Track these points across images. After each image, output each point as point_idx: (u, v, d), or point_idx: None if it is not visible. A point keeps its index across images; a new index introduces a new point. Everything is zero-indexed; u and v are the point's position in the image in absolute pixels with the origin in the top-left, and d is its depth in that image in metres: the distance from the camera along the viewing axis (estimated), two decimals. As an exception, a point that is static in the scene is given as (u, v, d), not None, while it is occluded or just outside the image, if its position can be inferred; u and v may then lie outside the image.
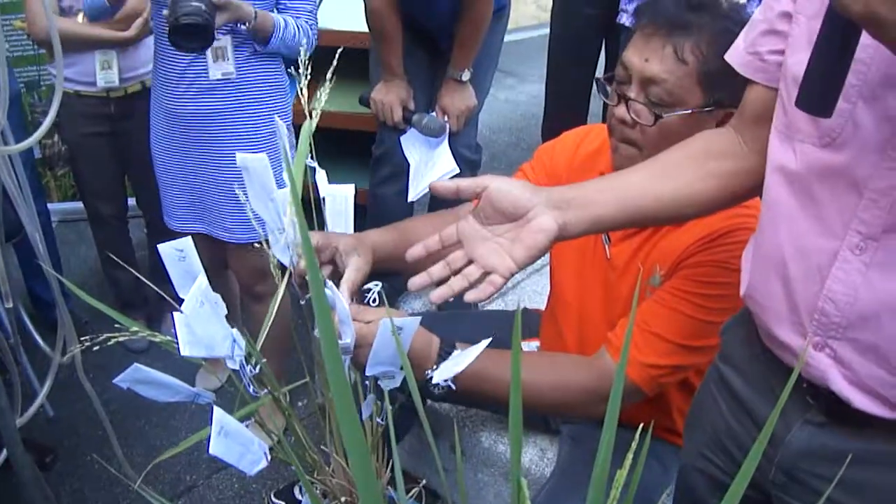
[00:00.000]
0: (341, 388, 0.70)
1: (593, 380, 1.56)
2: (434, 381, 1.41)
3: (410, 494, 1.74)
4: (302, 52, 1.35)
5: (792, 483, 1.24)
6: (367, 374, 1.27)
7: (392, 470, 1.37)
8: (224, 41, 2.18)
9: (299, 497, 2.43)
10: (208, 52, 2.17)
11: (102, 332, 1.17)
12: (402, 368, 1.23)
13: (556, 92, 3.48)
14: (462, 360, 1.30)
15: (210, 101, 2.24)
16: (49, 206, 3.93)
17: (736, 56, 1.24)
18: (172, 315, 1.10)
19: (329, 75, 1.33)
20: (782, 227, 1.15)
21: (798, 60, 1.08)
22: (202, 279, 1.13)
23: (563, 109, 3.29)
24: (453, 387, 1.44)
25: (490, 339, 1.29)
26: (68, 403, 2.76)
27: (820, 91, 0.97)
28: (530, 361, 1.60)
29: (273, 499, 2.53)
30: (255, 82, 2.27)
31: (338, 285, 1.37)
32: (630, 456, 0.85)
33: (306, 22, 2.24)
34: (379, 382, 1.30)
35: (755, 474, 0.75)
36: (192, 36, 2.01)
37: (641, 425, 0.94)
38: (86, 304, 1.24)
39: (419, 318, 1.21)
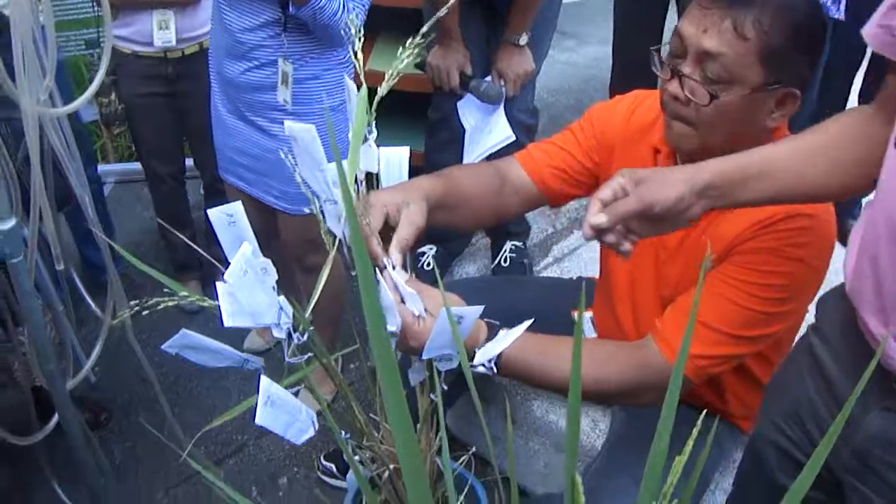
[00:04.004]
0: (388, 366, 0.68)
1: (635, 373, 1.52)
2: (475, 362, 1.38)
3: (460, 462, 1.72)
4: (352, 28, 1.31)
5: (864, 469, 1.20)
6: (423, 357, 1.26)
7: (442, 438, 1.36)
8: (288, 67, 2.14)
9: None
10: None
11: (156, 292, 1.18)
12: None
13: (622, 59, 3.39)
14: (503, 340, 1.28)
15: (263, 74, 2.20)
16: (106, 167, 3.98)
17: (868, 28, 1.15)
18: (215, 284, 1.08)
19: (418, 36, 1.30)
20: (882, 206, 1.09)
21: None
22: (247, 246, 1.11)
23: (631, 76, 3.19)
24: (495, 369, 1.42)
25: (531, 321, 1.26)
26: (123, 363, 2.78)
27: None
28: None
29: (323, 461, 2.53)
30: (312, 60, 2.21)
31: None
32: (690, 443, 0.81)
33: (354, 7, 2.09)
34: (435, 364, 1.29)
35: (828, 456, 0.72)
36: None
37: (705, 412, 0.90)
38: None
39: (481, 307, 1.19)
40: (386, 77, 1.32)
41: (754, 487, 1.48)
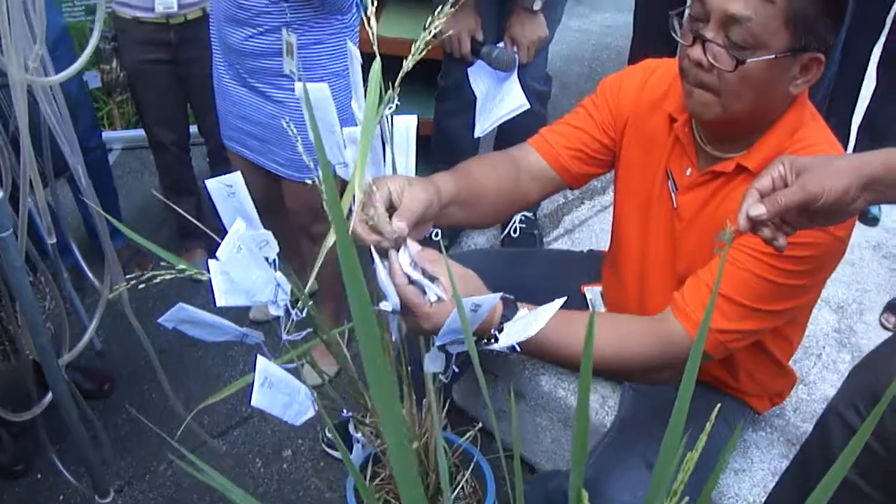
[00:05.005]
0: (371, 341, 0.64)
1: (656, 349, 1.48)
2: (501, 345, 1.34)
3: (466, 437, 1.69)
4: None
5: None
6: (438, 343, 1.23)
7: (449, 414, 1.33)
8: (292, 38, 2.09)
9: (354, 434, 2.41)
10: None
11: (161, 261, 1.17)
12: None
13: (643, 24, 3.32)
14: (531, 322, 1.24)
15: (267, 40, 2.15)
16: (112, 133, 3.94)
17: None
18: (207, 262, 1.05)
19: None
20: None
21: None
22: (240, 223, 1.07)
23: (652, 43, 3.12)
24: (518, 349, 1.38)
25: (564, 300, 1.21)
26: (128, 333, 2.76)
27: None
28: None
29: (327, 434, 2.51)
30: (315, 25, 2.16)
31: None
32: (703, 438, 0.77)
33: None
34: (447, 347, 1.26)
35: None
36: None
37: (718, 407, 0.86)
38: (146, 232, 1.22)
39: (498, 295, 1.17)
40: (412, 49, 1.27)
41: (814, 457, 1.46)
